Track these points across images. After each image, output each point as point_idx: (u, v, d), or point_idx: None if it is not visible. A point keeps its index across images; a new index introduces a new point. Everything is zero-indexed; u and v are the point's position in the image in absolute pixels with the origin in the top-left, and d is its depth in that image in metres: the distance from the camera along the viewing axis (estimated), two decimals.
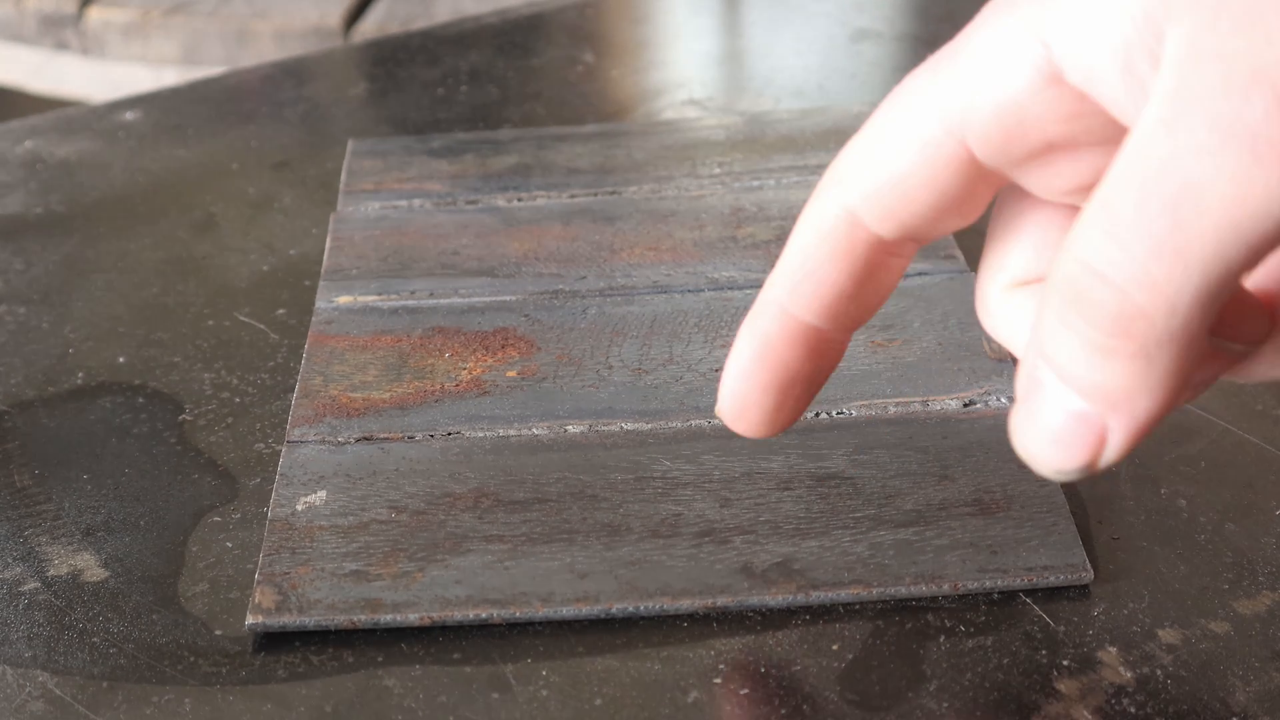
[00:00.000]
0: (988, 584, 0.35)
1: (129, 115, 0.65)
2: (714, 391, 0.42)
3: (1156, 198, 0.21)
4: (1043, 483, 0.38)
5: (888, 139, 0.25)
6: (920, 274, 0.47)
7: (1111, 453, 0.23)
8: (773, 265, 0.48)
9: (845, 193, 0.26)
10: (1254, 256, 0.21)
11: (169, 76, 1.58)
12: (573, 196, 0.54)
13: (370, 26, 1.61)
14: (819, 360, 0.28)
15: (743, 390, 0.28)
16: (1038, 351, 0.23)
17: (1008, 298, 0.27)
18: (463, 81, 0.68)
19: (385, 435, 0.41)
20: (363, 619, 0.34)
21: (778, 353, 0.28)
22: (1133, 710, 0.32)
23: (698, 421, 0.41)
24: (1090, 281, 0.22)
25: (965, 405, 0.41)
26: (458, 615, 0.34)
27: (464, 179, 0.56)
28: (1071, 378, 0.23)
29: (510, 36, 0.74)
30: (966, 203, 0.26)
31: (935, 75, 0.25)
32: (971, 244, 0.49)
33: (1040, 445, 0.23)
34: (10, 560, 0.38)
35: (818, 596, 0.35)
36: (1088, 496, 0.38)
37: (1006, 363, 0.42)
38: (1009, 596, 0.35)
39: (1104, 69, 0.22)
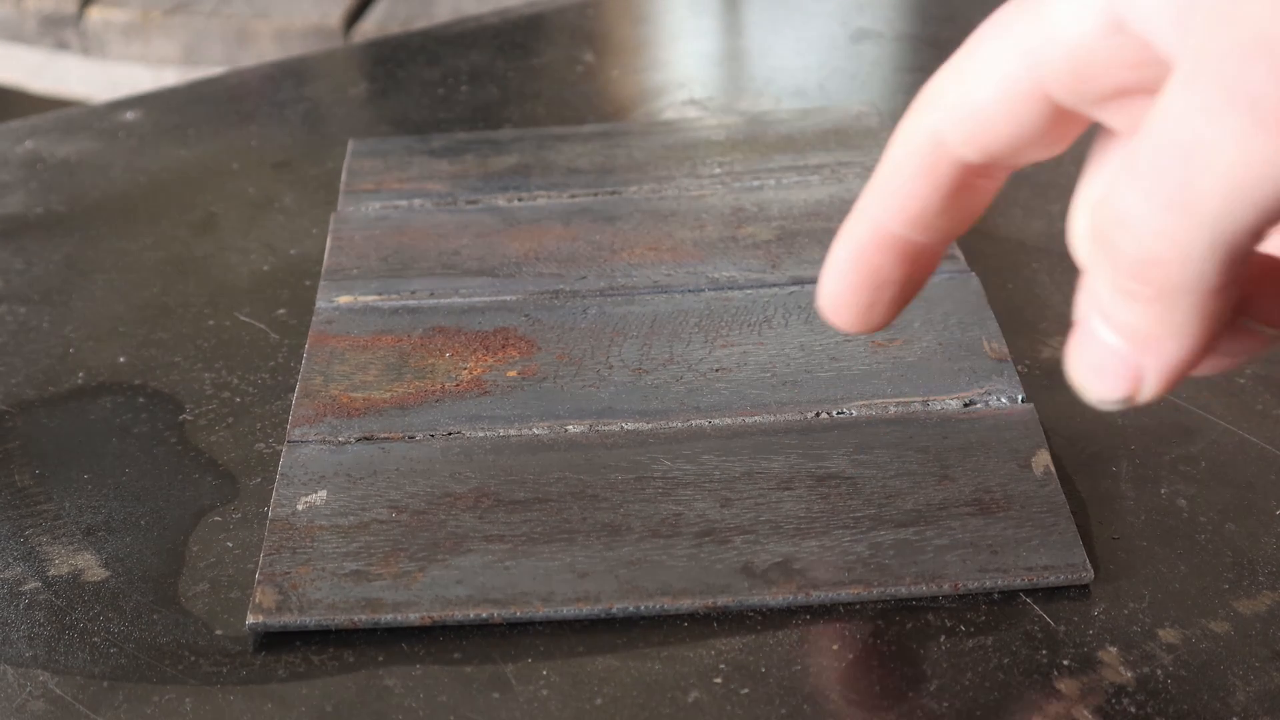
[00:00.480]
0: (988, 584, 0.35)
1: (129, 115, 0.65)
2: (714, 391, 0.42)
3: (1171, 153, 0.21)
4: (1043, 483, 0.38)
5: (973, 68, 0.26)
6: None
7: (1148, 390, 0.24)
8: (773, 265, 0.48)
9: (933, 115, 0.27)
10: (1264, 219, 0.21)
11: (169, 76, 1.58)
12: (573, 196, 0.54)
13: (370, 26, 1.61)
14: (910, 266, 0.29)
15: (836, 290, 0.29)
16: (1085, 286, 0.24)
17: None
18: (463, 81, 0.68)
19: (386, 435, 0.41)
20: (363, 619, 0.34)
21: (869, 257, 0.29)
22: (1133, 710, 0.32)
23: (698, 421, 0.41)
24: (1115, 226, 0.22)
25: (965, 405, 0.41)
26: (458, 615, 0.35)
27: (464, 179, 0.56)
28: (1107, 316, 0.24)
29: (511, 36, 0.74)
30: (1048, 135, 0.26)
31: (1019, 12, 0.26)
32: (972, 244, 0.49)
33: (1084, 375, 0.25)
34: (11, 560, 0.38)
35: (818, 596, 0.35)
36: (1088, 496, 0.38)
37: (1006, 363, 0.42)
38: (1009, 596, 0.35)
39: (1159, 20, 0.23)
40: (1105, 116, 0.26)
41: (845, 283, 0.29)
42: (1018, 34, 0.25)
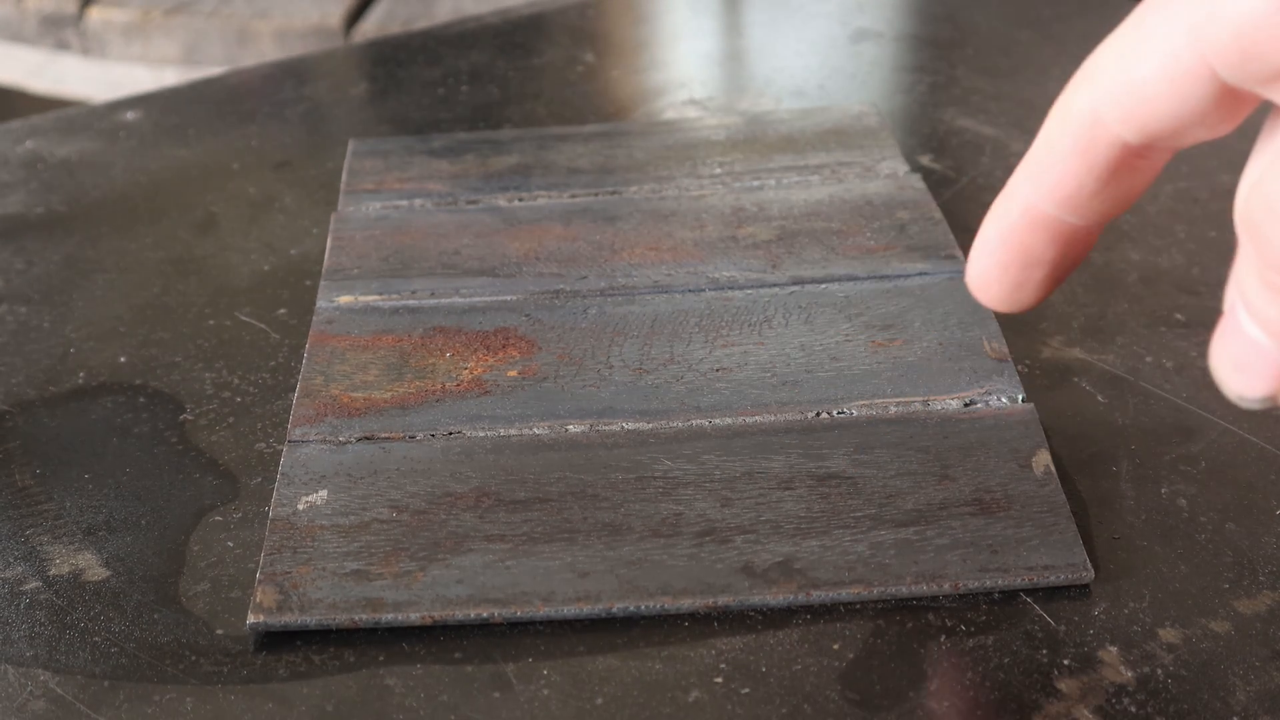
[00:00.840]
0: (988, 583, 0.35)
1: (129, 115, 0.65)
2: (714, 391, 0.42)
3: None
4: (1043, 482, 0.38)
5: (1135, 44, 0.25)
6: (920, 274, 0.47)
7: None
8: (773, 265, 0.48)
9: (1092, 91, 0.26)
10: None
11: (169, 76, 1.58)
12: (573, 196, 0.54)
13: (371, 26, 1.61)
14: (1063, 247, 0.28)
15: (984, 267, 0.28)
16: (1235, 273, 0.23)
17: None
18: (463, 81, 0.68)
19: (386, 435, 0.41)
20: (364, 618, 0.34)
21: (1019, 237, 0.28)
22: (1133, 710, 0.32)
23: (698, 421, 0.41)
24: (1266, 213, 0.21)
25: (965, 405, 0.41)
26: (459, 614, 0.35)
27: (465, 179, 0.56)
28: (1252, 308, 0.23)
29: (511, 36, 0.74)
30: (1213, 115, 0.25)
31: None
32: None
33: (1226, 369, 0.24)
34: (12, 559, 0.38)
35: (818, 596, 0.35)
36: (1088, 496, 0.38)
37: (1006, 363, 0.43)
38: (1009, 596, 0.35)
39: None
40: (1274, 95, 0.25)
41: (993, 260, 0.28)
42: (1183, 9, 0.24)
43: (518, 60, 0.71)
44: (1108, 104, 0.26)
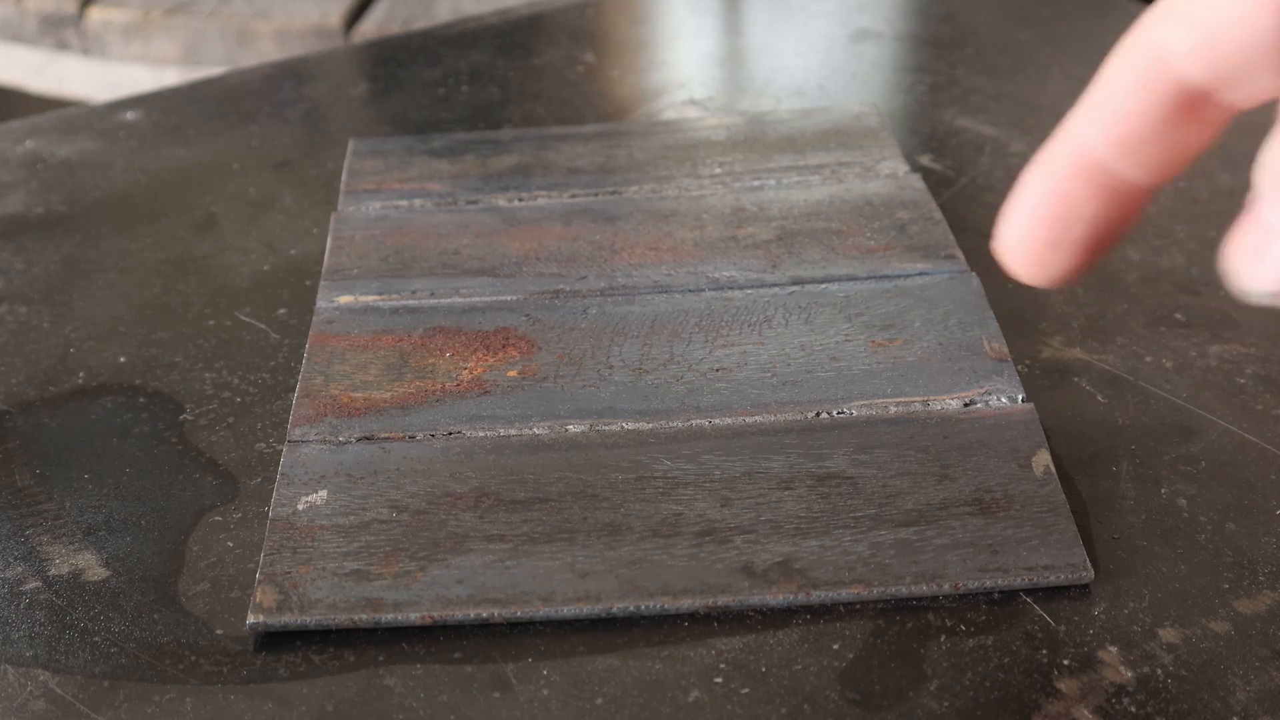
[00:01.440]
0: (988, 583, 0.35)
1: (129, 115, 0.65)
2: (714, 391, 0.42)
3: None
4: (1043, 482, 0.38)
5: None
6: (920, 274, 0.47)
7: None
8: (773, 265, 0.48)
9: (1162, 25, 0.26)
10: None
11: (169, 76, 1.58)
12: (573, 196, 0.54)
13: (371, 26, 1.61)
14: (1106, 205, 0.27)
15: (1021, 219, 0.27)
16: (1262, 160, 0.23)
17: None
18: (463, 81, 0.68)
19: (386, 435, 0.41)
20: (364, 618, 0.34)
21: (1064, 182, 0.27)
22: (1133, 710, 0.32)
23: (698, 421, 0.41)
24: None
25: (965, 405, 0.41)
26: (459, 614, 0.35)
27: (464, 179, 0.56)
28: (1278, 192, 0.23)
29: (511, 36, 0.74)
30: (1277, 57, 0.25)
31: None
32: (972, 244, 0.49)
33: (1240, 259, 0.24)
34: (12, 559, 0.38)
35: (818, 596, 0.35)
36: (1088, 496, 0.38)
37: (1006, 363, 0.42)
38: (1009, 596, 0.35)
39: None
40: None
41: (1033, 211, 0.27)
42: None
43: (518, 60, 0.71)
44: (1179, 37, 0.25)
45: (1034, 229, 0.27)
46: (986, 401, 0.41)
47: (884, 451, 0.39)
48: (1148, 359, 0.44)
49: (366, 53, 0.79)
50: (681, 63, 0.73)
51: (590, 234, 0.51)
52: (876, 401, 0.41)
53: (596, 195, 0.54)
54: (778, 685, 0.33)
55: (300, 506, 0.38)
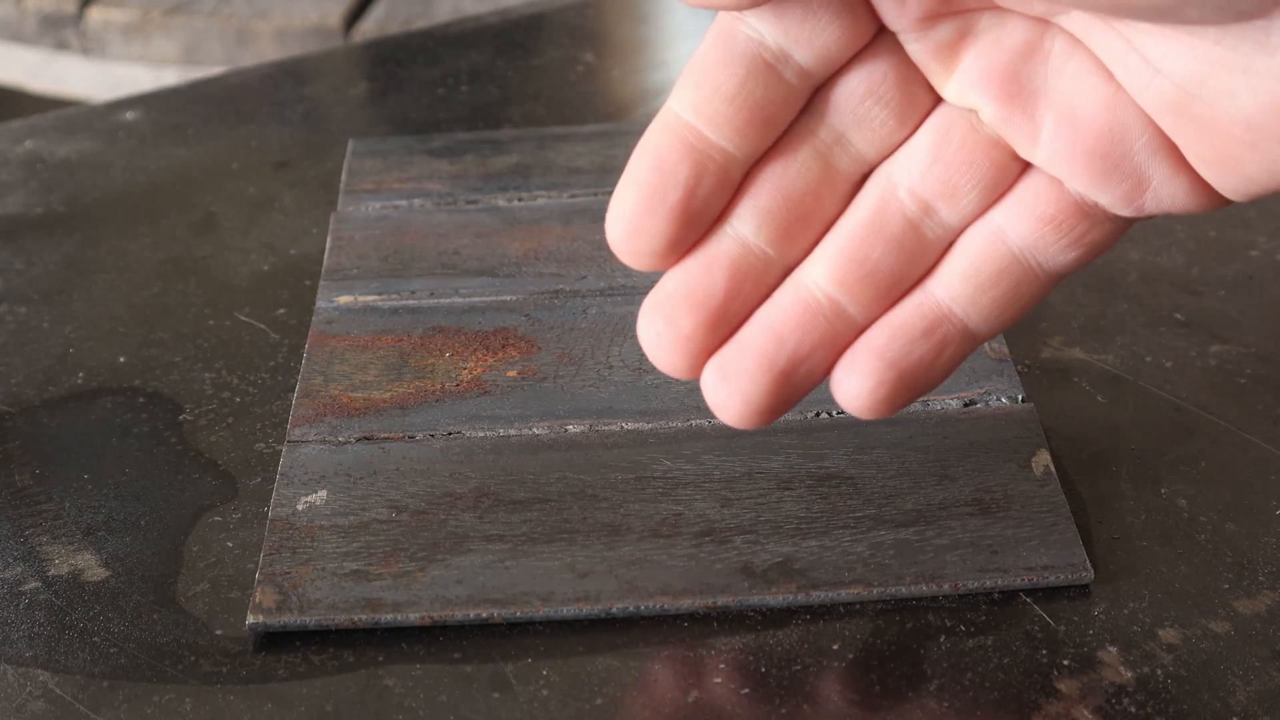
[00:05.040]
0: (988, 584, 0.35)
1: (129, 115, 0.65)
2: None
3: None
4: (1043, 482, 0.38)
5: None
6: None
7: None
8: None
9: None
10: None
11: (169, 76, 1.58)
12: (573, 196, 0.54)
13: (370, 26, 1.61)
14: (701, 172, 0.28)
15: (625, 191, 0.28)
16: None
17: None
18: (463, 81, 0.68)
19: (386, 435, 0.41)
20: (363, 618, 0.34)
21: (660, 149, 0.28)
22: (1133, 710, 0.32)
23: (698, 421, 0.41)
24: None
25: (965, 405, 0.41)
26: (458, 615, 0.35)
27: (464, 179, 0.56)
28: None
29: (511, 36, 0.74)
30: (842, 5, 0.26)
31: None
32: None
33: None
34: (11, 560, 0.38)
35: (818, 596, 0.35)
36: (1088, 496, 0.38)
37: (1006, 363, 0.42)
38: (1009, 596, 0.35)
39: None
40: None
41: (632, 179, 0.28)
42: None
43: (518, 60, 0.71)
44: None
45: (633, 196, 0.28)
46: (986, 401, 0.41)
47: (883, 452, 0.39)
48: (1148, 359, 0.44)
49: (366, 53, 0.79)
50: (681, 63, 0.73)
51: (590, 234, 0.51)
52: None
53: (596, 195, 0.54)
54: (778, 685, 0.33)
55: (300, 507, 0.38)
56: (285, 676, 0.34)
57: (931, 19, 0.27)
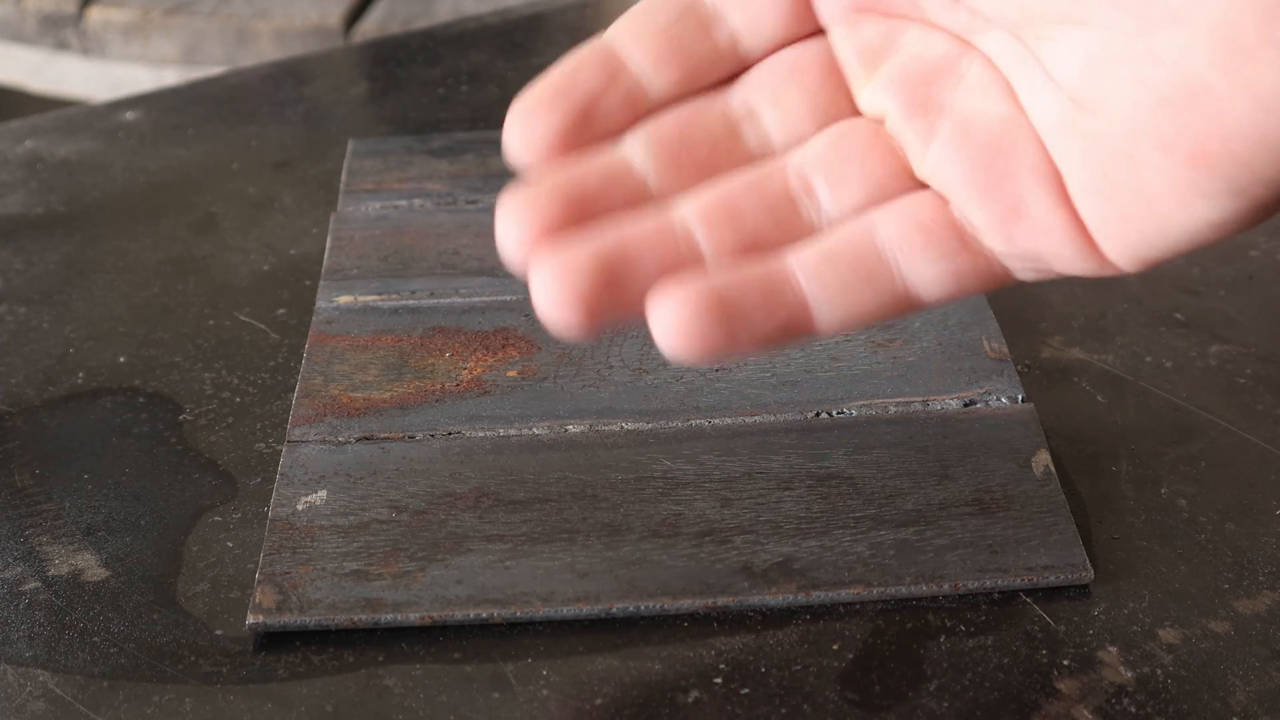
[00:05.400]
0: (988, 584, 0.35)
1: (129, 115, 0.65)
2: (714, 391, 0.42)
3: None
4: (1043, 482, 0.38)
5: None
6: None
7: None
8: None
9: None
10: None
11: (169, 76, 1.58)
12: None
13: (370, 26, 1.61)
14: (612, 95, 0.28)
15: (534, 91, 0.28)
16: None
17: None
18: (463, 81, 0.68)
19: (386, 435, 0.41)
20: (363, 618, 0.34)
21: (578, 62, 0.28)
22: (1133, 710, 0.32)
23: (698, 421, 0.41)
24: None
25: (965, 405, 0.41)
26: (458, 615, 0.35)
27: (464, 179, 0.56)
28: None
29: (511, 36, 0.74)
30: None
31: None
32: None
33: None
34: (11, 560, 0.38)
35: (818, 596, 0.35)
36: (1088, 496, 0.38)
37: (1006, 363, 0.42)
38: (1009, 596, 0.35)
39: None
40: None
41: (544, 82, 0.28)
42: None
43: (517, 60, 0.71)
44: None
45: (538, 89, 0.28)
46: (986, 401, 0.41)
47: (884, 451, 0.39)
48: (1148, 359, 0.44)
49: (366, 53, 0.79)
50: None
51: None
52: (876, 401, 0.41)
53: None
54: (778, 685, 0.33)
55: (300, 507, 0.38)
56: (285, 676, 0.34)
57: (861, 12, 0.28)
